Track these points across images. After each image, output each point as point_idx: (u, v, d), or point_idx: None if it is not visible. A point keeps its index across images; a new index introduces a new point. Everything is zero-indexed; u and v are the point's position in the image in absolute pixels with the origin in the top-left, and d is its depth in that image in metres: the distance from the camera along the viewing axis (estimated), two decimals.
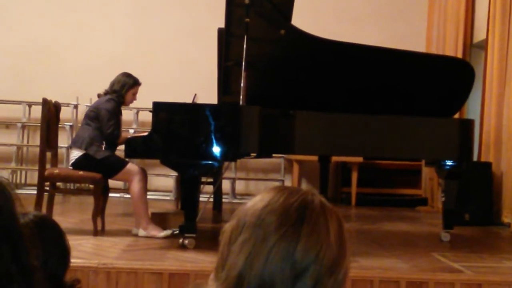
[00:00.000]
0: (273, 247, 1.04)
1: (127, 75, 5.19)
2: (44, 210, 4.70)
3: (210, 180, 6.39)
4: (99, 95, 5.19)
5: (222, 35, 5.20)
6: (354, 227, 6.05)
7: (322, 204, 1.10)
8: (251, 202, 1.11)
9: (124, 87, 5.11)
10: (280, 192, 1.11)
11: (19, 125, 8.16)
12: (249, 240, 1.05)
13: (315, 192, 1.13)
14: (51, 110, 5.00)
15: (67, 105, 7.73)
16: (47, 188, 4.94)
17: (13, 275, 0.99)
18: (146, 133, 4.54)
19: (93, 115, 5.00)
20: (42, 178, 4.84)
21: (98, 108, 4.99)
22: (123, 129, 5.56)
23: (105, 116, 4.92)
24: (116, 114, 5.01)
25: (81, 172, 4.85)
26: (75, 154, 4.93)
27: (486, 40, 6.81)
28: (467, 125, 5.10)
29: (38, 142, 5.25)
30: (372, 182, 8.22)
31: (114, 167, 4.89)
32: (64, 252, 1.57)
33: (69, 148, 5.03)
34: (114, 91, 5.09)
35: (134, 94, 5.21)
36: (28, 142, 8.42)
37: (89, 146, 4.87)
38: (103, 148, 4.92)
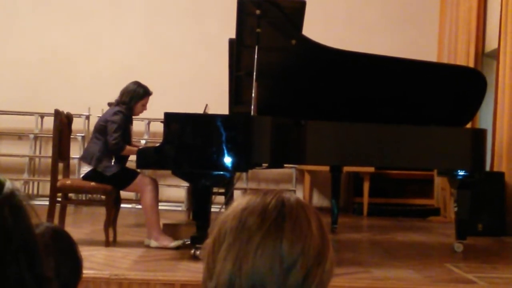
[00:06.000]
0: (259, 246, 1.04)
1: (137, 85, 5.09)
2: (56, 221, 4.72)
3: (222, 190, 6.37)
4: (109, 104, 5.13)
5: (233, 45, 5.22)
6: (366, 237, 6.02)
7: (298, 200, 1.11)
8: (229, 209, 1.12)
9: (133, 99, 5.02)
10: (256, 194, 1.12)
11: (32, 136, 8.20)
12: (233, 244, 1.05)
13: (291, 192, 1.14)
14: (63, 121, 5.02)
15: (79, 116, 7.78)
16: (59, 199, 4.95)
17: (27, 283, 0.99)
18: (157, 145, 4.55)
19: (101, 128, 4.96)
20: (54, 189, 4.86)
21: (106, 120, 4.94)
22: (134, 139, 5.56)
23: (111, 128, 4.86)
24: (123, 127, 4.93)
25: (93, 183, 4.86)
26: (85, 169, 4.94)
27: (498, 49, 6.78)
28: (480, 134, 5.06)
29: (50, 153, 5.26)
30: (384, 192, 8.19)
31: (124, 180, 4.90)
32: (76, 263, 1.57)
33: (79, 161, 5.02)
34: (123, 102, 5.02)
35: (144, 105, 5.12)
36: (40, 153, 8.46)
37: (99, 163, 4.86)
38: (113, 163, 4.90)
